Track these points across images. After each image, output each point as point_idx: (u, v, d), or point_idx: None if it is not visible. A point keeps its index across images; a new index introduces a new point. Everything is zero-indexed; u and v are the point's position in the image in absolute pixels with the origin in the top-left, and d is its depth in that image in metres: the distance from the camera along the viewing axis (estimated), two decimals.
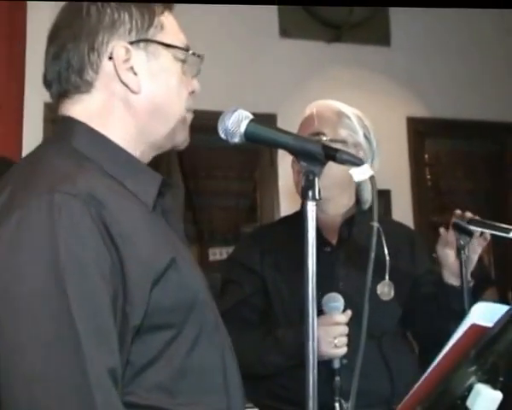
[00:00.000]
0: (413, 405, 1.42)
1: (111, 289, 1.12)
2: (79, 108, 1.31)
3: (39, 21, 3.60)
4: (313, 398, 1.22)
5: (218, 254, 4.18)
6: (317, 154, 1.25)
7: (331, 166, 1.33)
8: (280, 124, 4.18)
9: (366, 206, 2.21)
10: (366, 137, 2.17)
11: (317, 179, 1.25)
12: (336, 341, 1.92)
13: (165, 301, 1.19)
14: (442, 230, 2.04)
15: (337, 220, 2.17)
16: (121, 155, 1.29)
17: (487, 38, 4.81)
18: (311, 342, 1.22)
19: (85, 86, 1.30)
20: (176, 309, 1.21)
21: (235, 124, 1.30)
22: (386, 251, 2.00)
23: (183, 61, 1.34)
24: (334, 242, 2.14)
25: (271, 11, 4.34)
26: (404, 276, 2.12)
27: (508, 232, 1.89)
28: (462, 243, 1.99)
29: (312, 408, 1.23)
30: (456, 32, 4.75)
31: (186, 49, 1.35)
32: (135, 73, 1.29)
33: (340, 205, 2.17)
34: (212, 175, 4.24)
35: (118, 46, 1.28)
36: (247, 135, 1.26)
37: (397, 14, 4.63)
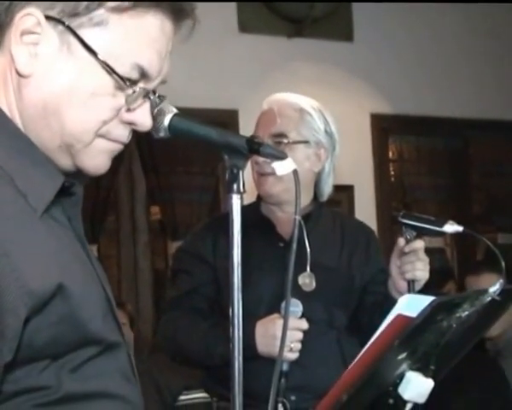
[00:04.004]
0: (338, 393, 1.42)
1: None
2: None
3: None
4: (239, 389, 1.23)
5: None
6: (240, 148, 1.25)
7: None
8: (241, 120, 4.20)
9: (323, 198, 2.25)
10: (327, 131, 2.18)
11: (241, 173, 1.25)
12: (293, 345, 1.96)
13: (44, 335, 0.98)
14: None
15: (293, 217, 2.17)
16: (18, 142, 1.05)
17: (450, 35, 4.85)
18: (236, 339, 1.23)
19: None
20: (58, 344, 1.00)
21: (160, 118, 1.26)
22: (307, 244, 2.08)
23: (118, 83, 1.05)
24: (287, 238, 2.14)
25: (230, 6, 4.32)
26: (358, 272, 2.20)
27: (441, 226, 1.89)
28: (408, 237, 2.00)
29: (238, 397, 1.24)
30: (418, 28, 4.77)
31: (121, 77, 1.04)
32: (35, 54, 1.02)
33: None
34: (174, 170, 4.25)
35: (29, 13, 1.01)
36: (172, 129, 1.23)
37: (360, 9, 4.62)
